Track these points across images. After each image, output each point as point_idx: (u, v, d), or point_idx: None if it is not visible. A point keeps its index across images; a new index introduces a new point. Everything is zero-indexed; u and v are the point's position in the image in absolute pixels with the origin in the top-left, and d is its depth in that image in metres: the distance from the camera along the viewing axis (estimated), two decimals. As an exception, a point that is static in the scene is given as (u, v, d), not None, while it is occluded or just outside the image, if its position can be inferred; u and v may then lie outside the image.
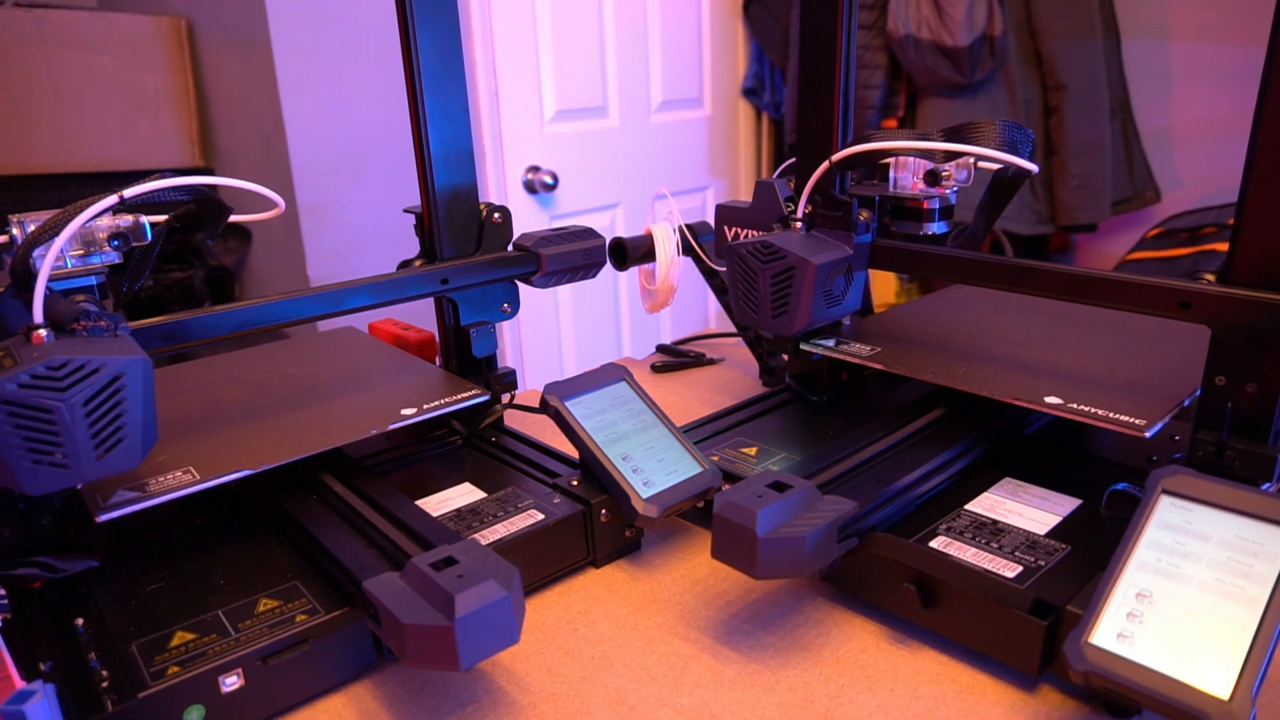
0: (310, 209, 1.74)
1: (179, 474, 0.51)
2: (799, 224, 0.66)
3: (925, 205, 0.64)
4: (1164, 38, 1.78)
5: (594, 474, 0.58)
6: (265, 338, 0.66)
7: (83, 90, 1.77)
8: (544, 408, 0.59)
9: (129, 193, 0.45)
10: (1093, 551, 0.51)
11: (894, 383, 0.79)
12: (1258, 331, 0.47)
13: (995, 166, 0.58)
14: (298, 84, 1.68)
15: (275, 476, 0.57)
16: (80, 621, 0.48)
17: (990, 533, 0.53)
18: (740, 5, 2.05)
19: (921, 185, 0.63)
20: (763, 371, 0.89)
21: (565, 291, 1.84)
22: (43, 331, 0.42)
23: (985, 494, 0.58)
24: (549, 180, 1.73)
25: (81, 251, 0.50)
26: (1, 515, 0.51)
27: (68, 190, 1.79)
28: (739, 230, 0.77)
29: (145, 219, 0.52)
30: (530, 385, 0.89)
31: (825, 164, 0.62)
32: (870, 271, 0.69)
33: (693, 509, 0.58)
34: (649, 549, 0.62)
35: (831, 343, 0.68)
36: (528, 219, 1.73)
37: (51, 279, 0.47)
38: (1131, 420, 0.51)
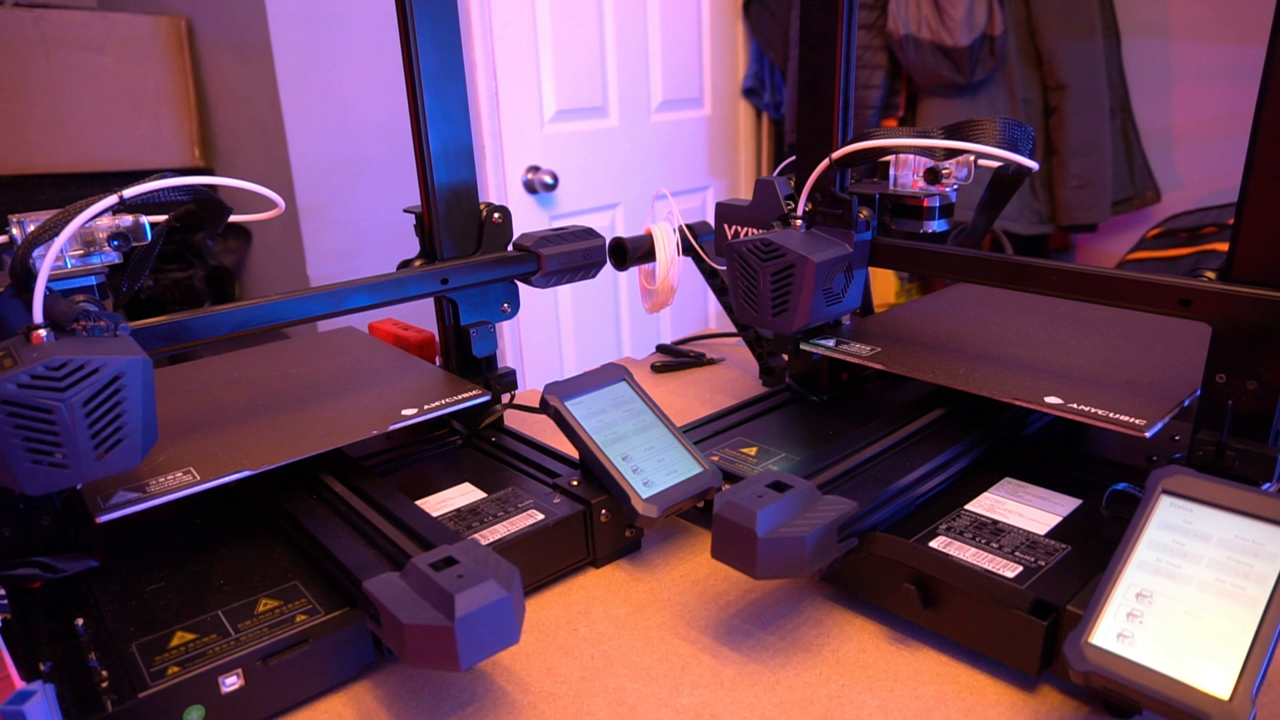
0: (310, 209, 1.74)
1: (179, 475, 0.51)
2: (799, 222, 0.66)
3: (925, 203, 0.64)
4: (1164, 37, 1.78)
5: (594, 474, 0.58)
6: (265, 338, 0.66)
7: (83, 90, 1.77)
8: (544, 408, 0.59)
9: (129, 193, 0.45)
10: (1093, 551, 0.51)
11: (894, 383, 0.79)
12: (1258, 329, 0.47)
13: (995, 164, 0.58)
14: (298, 84, 1.68)
15: (275, 476, 0.57)
16: (80, 621, 0.48)
17: (990, 533, 0.53)
18: (740, 5, 2.05)
19: (922, 183, 0.63)
20: (763, 371, 0.89)
21: (565, 291, 1.84)
22: (43, 331, 0.42)
23: (985, 494, 0.58)
24: (549, 180, 1.73)
25: (81, 251, 0.50)
26: (1, 515, 0.51)
27: (68, 190, 1.79)
28: (739, 228, 0.77)
29: (145, 219, 0.52)
30: (530, 385, 0.89)
31: (825, 162, 0.62)
32: (870, 271, 0.69)
33: (693, 509, 0.58)
34: (649, 549, 0.62)
35: (831, 343, 0.68)
36: (528, 219, 1.73)
37: (51, 279, 0.47)
38: (1131, 420, 0.51)
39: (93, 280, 0.51)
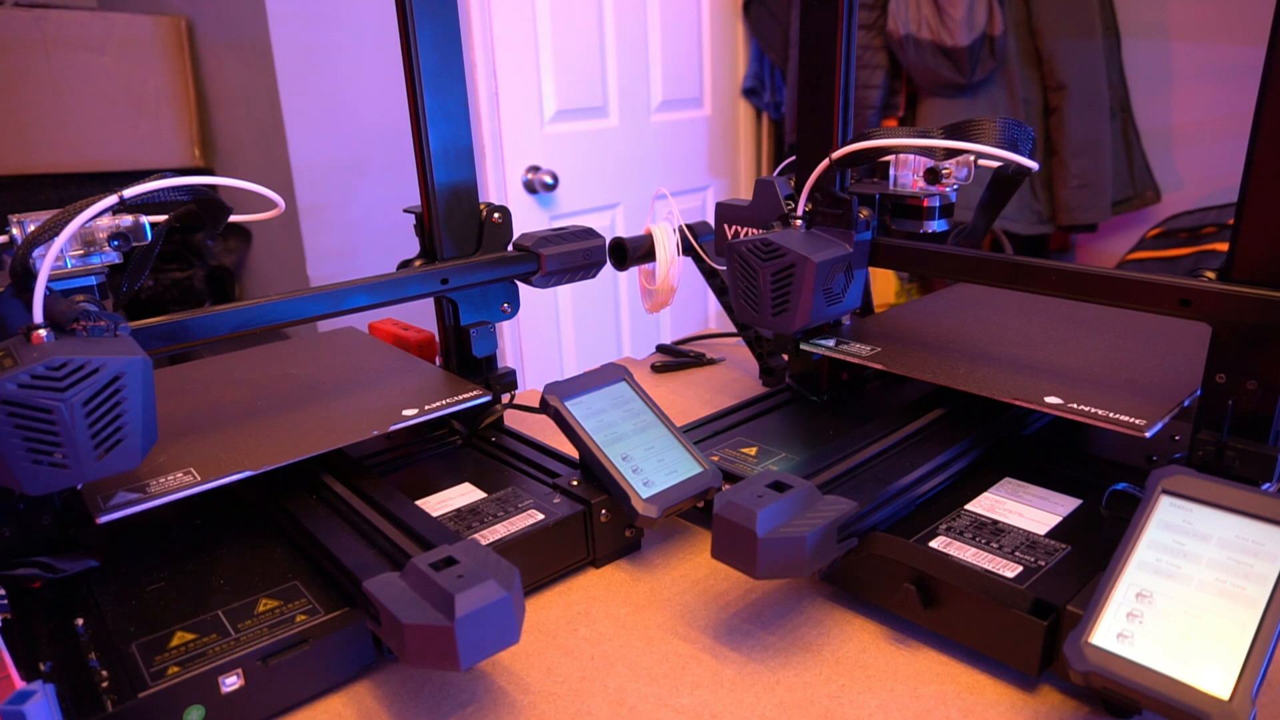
0: (310, 209, 1.74)
1: (180, 475, 0.51)
2: (799, 222, 0.66)
3: (925, 203, 0.64)
4: (1164, 37, 1.78)
5: (594, 474, 0.58)
6: (265, 338, 0.66)
7: (83, 90, 1.77)
8: (544, 408, 0.59)
9: (129, 193, 0.45)
10: (1093, 551, 0.51)
11: (894, 383, 0.79)
12: (1258, 329, 0.47)
13: (995, 164, 0.58)
14: (298, 84, 1.68)
15: (275, 476, 0.57)
16: (80, 621, 0.48)
17: (990, 533, 0.53)
18: (740, 5, 2.05)
19: (922, 183, 0.63)
20: (763, 371, 0.89)
21: (565, 291, 1.84)
22: (43, 331, 0.42)
23: (985, 494, 0.58)
24: (549, 180, 1.73)
25: (81, 251, 0.50)
26: (1, 515, 0.51)
27: (68, 190, 1.79)
28: (739, 228, 0.77)
29: (145, 219, 0.52)
30: (530, 385, 0.89)
31: (826, 161, 0.62)
32: (870, 271, 0.69)
33: (693, 509, 0.58)
34: (649, 549, 0.62)
35: (831, 343, 0.68)
36: (528, 219, 1.73)
37: (51, 279, 0.47)
38: (1131, 420, 0.51)
39: (93, 280, 0.51)
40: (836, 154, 0.61)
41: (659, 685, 0.48)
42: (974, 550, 0.51)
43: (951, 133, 0.57)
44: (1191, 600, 0.39)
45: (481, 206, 0.70)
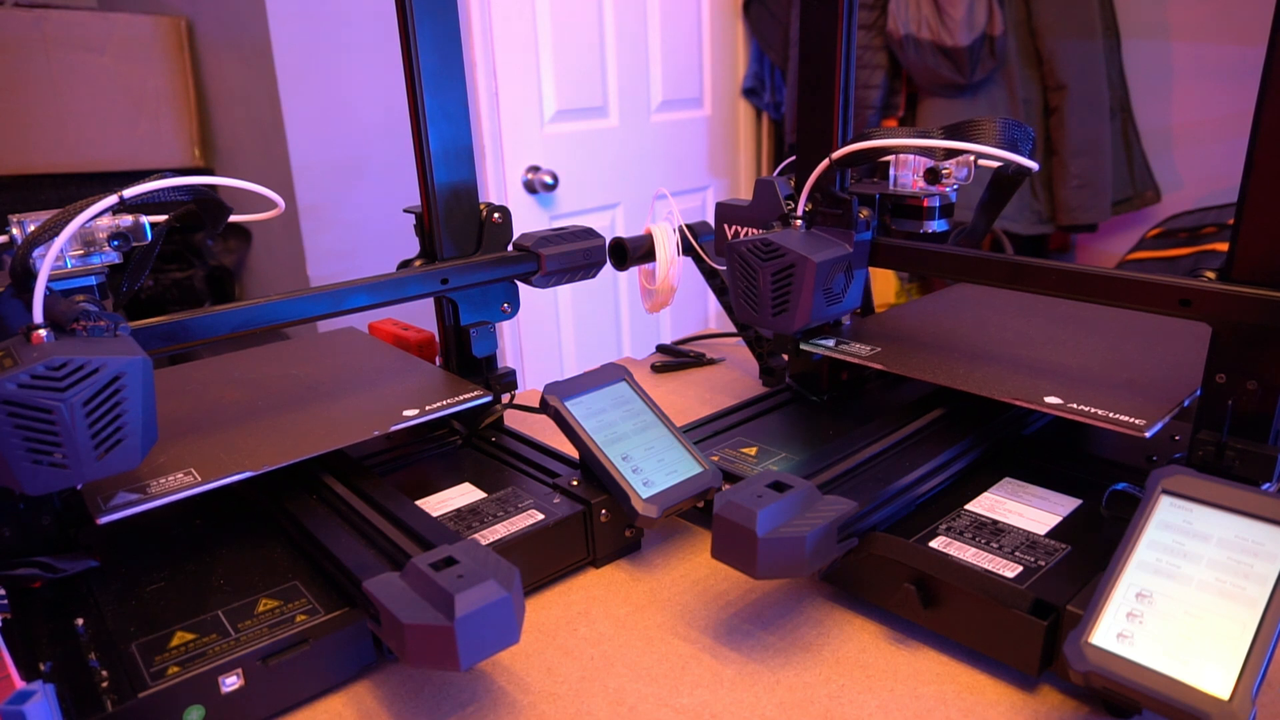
0: (310, 209, 1.74)
1: (180, 475, 0.51)
2: (799, 222, 0.66)
3: (925, 203, 0.64)
4: (1164, 38, 1.78)
5: (594, 474, 0.58)
6: (265, 338, 0.66)
7: (83, 90, 1.77)
8: (544, 408, 0.59)
9: (129, 193, 0.45)
10: (1093, 551, 0.51)
11: (894, 383, 0.79)
12: (1258, 329, 0.47)
13: (995, 164, 0.58)
14: (298, 84, 1.68)
15: (275, 477, 0.57)
16: (80, 621, 0.48)
17: (990, 533, 0.53)
18: (740, 5, 2.05)
19: (922, 183, 0.63)
20: (763, 371, 0.89)
21: (565, 291, 1.84)
22: (43, 331, 0.42)
23: (985, 494, 0.58)
24: (549, 180, 1.73)
25: (81, 251, 0.50)
26: (2, 515, 0.51)
27: (68, 190, 1.79)
28: (739, 228, 0.77)
29: (145, 219, 0.52)
30: (530, 385, 0.89)
31: (826, 161, 0.62)
32: (870, 271, 0.69)
33: (693, 509, 0.58)
34: (649, 549, 0.62)
35: (831, 343, 0.68)
36: (528, 219, 1.73)
37: (51, 279, 0.47)
38: (1131, 420, 0.51)
39: (93, 280, 0.51)
40: (836, 154, 0.61)
41: (659, 685, 0.48)
42: (974, 550, 0.51)
43: (951, 133, 0.57)
44: (1191, 600, 0.39)
45: (481, 206, 0.70)
